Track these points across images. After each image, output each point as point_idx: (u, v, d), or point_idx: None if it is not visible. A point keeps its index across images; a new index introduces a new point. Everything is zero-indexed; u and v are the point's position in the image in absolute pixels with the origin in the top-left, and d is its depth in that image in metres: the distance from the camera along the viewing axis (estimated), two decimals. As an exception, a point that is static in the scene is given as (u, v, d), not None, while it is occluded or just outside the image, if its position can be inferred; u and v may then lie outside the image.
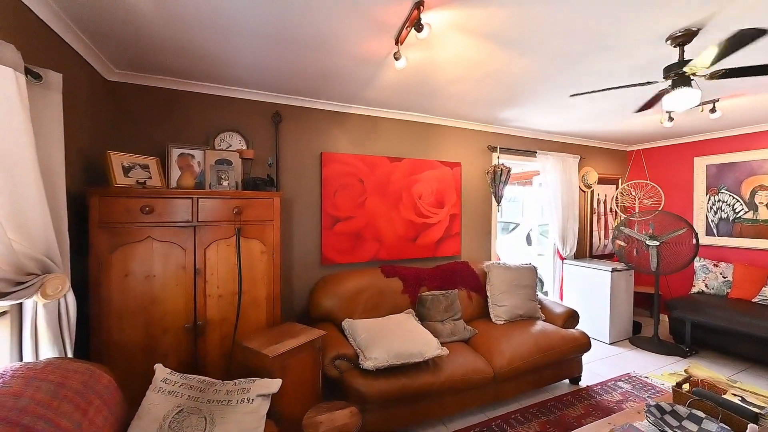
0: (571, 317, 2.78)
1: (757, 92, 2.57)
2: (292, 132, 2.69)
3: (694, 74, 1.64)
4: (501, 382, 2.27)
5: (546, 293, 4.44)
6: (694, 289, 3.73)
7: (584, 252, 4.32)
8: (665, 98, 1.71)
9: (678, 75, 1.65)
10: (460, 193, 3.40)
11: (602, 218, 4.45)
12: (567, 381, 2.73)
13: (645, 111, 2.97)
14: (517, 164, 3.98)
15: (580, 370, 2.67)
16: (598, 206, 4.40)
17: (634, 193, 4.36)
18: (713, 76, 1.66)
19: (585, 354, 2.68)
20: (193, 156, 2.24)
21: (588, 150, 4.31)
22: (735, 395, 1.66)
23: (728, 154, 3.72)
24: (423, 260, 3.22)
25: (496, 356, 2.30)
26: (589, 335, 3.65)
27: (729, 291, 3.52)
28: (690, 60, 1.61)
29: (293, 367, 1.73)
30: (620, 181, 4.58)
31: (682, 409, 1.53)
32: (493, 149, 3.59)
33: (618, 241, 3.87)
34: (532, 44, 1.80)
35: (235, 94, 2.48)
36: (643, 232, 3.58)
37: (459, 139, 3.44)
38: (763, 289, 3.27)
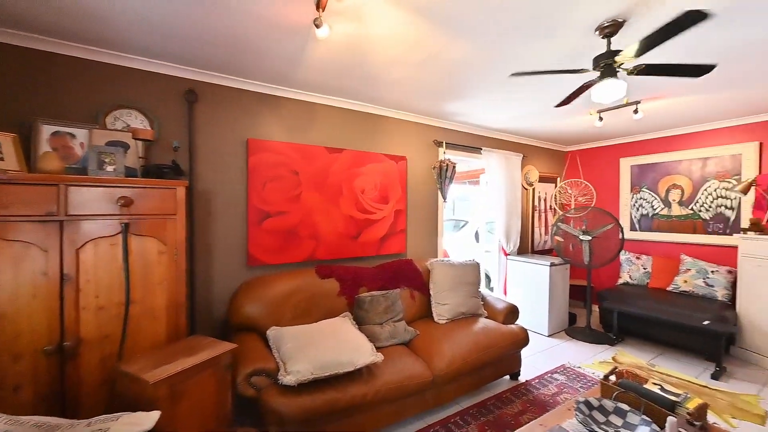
0: (512, 312, 2.77)
1: (673, 95, 2.75)
2: (211, 114, 2.33)
3: (620, 66, 1.63)
4: (441, 386, 2.15)
5: (492, 289, 4.51)
6: (620, 281, 3.99)
7: (527, 248, 4.45)
8: (593, 89, 1.69)
9: (606, 66, 1.64)
10: (405, 188, 3.26)
11: (543, 215, 4.62)
12: (507, 377, 2.71)
13: (569, 108, 3.07)
14: (463, 161, 3.96)
15: (519, 365, 2.67)
16: (539, 204, 4.56)
17: (570, 191, 4.59)
18: (635, 71, 1.68)
19: (525, 348, 2.69)
20: (73, 136, 1.81)
21: (530, 149, 4.43)
22: (656, 384, 1.69)
23: (648, 156, 4.03)
24: (366, 259, 3.03)
25: (435, 358, 2.18)
26: (531, 328, 3.75)
27: (648, 281, 3.81)
28: (618, 51, 1.60)
29: (191, 391, 1.43)
30: (558, 179, 4.79)
31: (608, 404, 1.50)
32: (439, 144, 3.51)
33: (556, 237, 4.02)
34: (470, 24, 1.68)
35: (134, 64, 2.07)
36: (578, 228, 3.75)
37: (405, 132, 3.30)
38: (675, 278, 3.57)
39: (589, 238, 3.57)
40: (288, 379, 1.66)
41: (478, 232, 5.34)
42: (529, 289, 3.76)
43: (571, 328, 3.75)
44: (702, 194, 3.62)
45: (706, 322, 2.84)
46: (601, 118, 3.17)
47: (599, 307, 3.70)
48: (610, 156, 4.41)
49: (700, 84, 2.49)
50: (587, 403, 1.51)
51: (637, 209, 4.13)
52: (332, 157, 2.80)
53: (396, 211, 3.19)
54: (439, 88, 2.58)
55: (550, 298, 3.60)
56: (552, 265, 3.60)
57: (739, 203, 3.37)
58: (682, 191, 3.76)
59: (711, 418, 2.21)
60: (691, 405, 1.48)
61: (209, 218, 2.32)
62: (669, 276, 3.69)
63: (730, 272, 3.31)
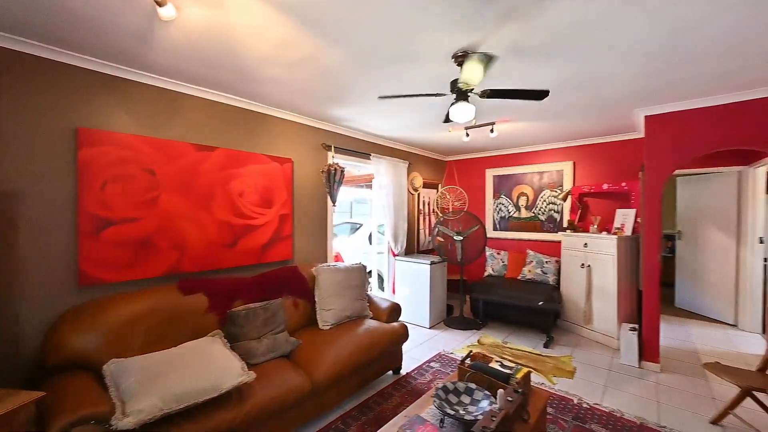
0: (394, 311, 2.95)
1: (519, 119, 3.38)
2: (18, 91, 1.78)
3: (470, 90, 1.91)
4: (321, 393, 2.13)
5: (384, 289, 4.73)
6: (486, 273, 4.70)
7: (413, 248, 4.83)
8: (450, 109, 1.94)
9: (458, 90, 1.89)
10: (291, 191, 3.14)
11: (427, 218, 5.09)
12: (390, 372, 2.87)
13: (454, 126, 3.49)
14: (354, 165, 4.04)
15: (401, 360, 2.85)
16: (423, 207, 5.01)
17: (448, 197, 5.19)
18: (483, 95, 1.99)
19: (407, 342, 2.88)
20: None
21: (415, 157, 4.83)
22: (497, 361, 2.02)
23: (505, 168, 4.86)
24: (246, 268, 2.79)
25: (316, 366, 2.14)
26: (415, 322, 4.07)
27: (506, 272, 4.59)
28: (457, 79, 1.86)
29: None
30: (439, 185, 5.36)
31: (461, 385, 1.72)
32: (328, 148, 3.50)
33: (438, 238, 4.47)
34: (340, 33, 1.71)
35: None
36: (454, 229, 4.26)
37: (291, 133, 3.18)
38: (523, 269, 4.40)
39: (461, 238, 4.10)
40: (126, 422, 1.38)
41: (371, 235, 5.55)
42: (414, 286, 4.08)
43: (449, 319, 4.23)
44: (540, 201, 4.55)
45: (540, 303, 3.57)
46: (467, 134, 3.67)
47: (469, 298, 4.27)
48: (478, 166, 5.16)
49: (536, 111, 3.12)
50: (444, 388, 1.69)
51: (498, 212, 4.94)
52: (201, 156, 2.48)
53: (281, 215, 3.04)
54: (320, 92, 2.57)
55: (431, 293, 3.99)
56: (432, 263, 3.98)
57: (562, 208, 4.37)
58: (528, 198, 4.66)
59: (539, 379, 2.78)
60: (519, 375, 1.81)
61: (10, 228, 1.76)
62: (519, 267, 4.52)
63: (557, 261, 4.24)
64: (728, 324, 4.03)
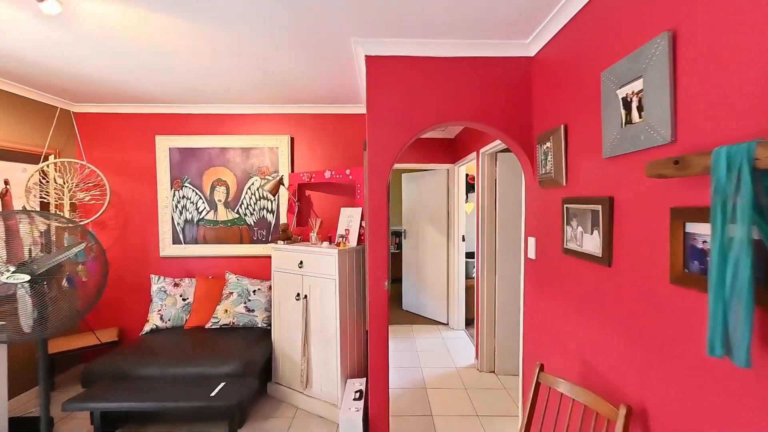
0: None
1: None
2: None
3: None
4: None
5: None
6: (147, 327, 2.53)
7: None
8: None
9: None
10: None
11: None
12: None
13: None
14: None
15: None
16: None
17: (63, 181, 2.55)
18: None
19: None
20: None
21: None
22: None
23: (190, 137, 2.85)
24: None
25: None
26: None
27: (188, 318, 2.61)
28: None
29: None
30: (52, 157, 2.60)
31: None
32: None
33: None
34: None
35: None
36: (13, 263, 1.76)
37: None
38: (217, 308, 2.59)
39: (27, 279, 1.70)
40: None
41: None
42: None
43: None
44: (246, 194, 2.87)
45: (214, 393, 1.83)
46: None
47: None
48: (139, 128, 2.84)
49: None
50: None
51: (181, 212, 2.86)
52: None
53: None
54: None
55: None
56: None
57: (278, 206, 2.89)
58: (228, 189, 2.87)
59: None
60: None
61: None
62: (213, 304, 2.67)
63: (270, 289, 2.72)
64: (443, 324, 3.97)
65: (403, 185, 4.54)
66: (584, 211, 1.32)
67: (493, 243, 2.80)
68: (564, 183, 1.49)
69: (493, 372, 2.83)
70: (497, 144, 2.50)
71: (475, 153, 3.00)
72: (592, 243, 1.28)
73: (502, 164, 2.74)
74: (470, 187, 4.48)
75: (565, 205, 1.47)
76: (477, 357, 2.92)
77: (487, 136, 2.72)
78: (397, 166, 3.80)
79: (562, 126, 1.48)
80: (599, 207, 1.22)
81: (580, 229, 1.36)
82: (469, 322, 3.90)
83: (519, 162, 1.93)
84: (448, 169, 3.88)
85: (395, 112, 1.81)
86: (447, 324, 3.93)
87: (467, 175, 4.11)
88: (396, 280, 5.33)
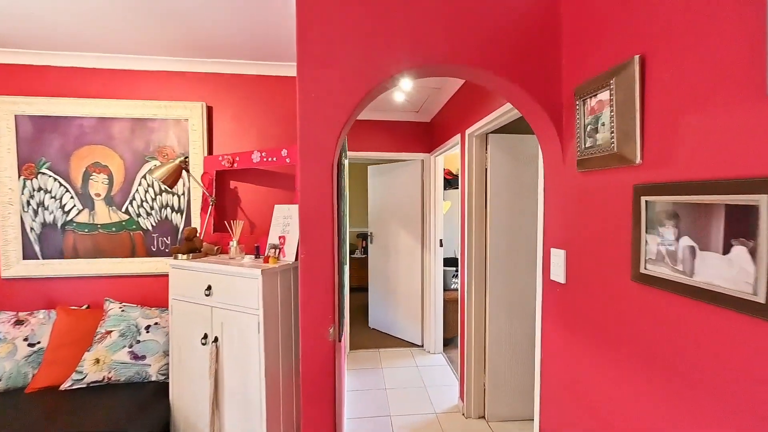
0: None
1: None
2: None
3: None
4: None
5: None
6: (-42, 396, 1.60)
7: None
8: None
9: None
10: None
11: None
12: None
13: None
14: None
15: None
16: None
17: None
18: None
19: None
20: None
21: None
22: None
23: (51, 100, 1.92)
24: None
25: None
26: None
27: (35, 373, 1.71)
28: None
29: None
30: None
31: None
32: None
33: None
34: None
35: None
36: None
37: None
38: (85, 355, 1.71)
39: None
40: None
41: None
42: None
43: None
44: (140, 185, 2.00)
45: None
46: None
47: None
48: (-37, 85, 1.88)
49: None
50: None
51: (37, 212, 1.93)
52: None
53: None
54: None
55: None
56: None
57: (189, 202, 2.04)
58: (111, 178, 1.98)
59: None
60: None
61: None
62: (83, 346, 1.78)
63: (174, 322, 1.87)
64: (417, 346, 3.29)
65: (369, 179, 3.81)
66: (705, 209, 0.67)
67: (483, 251, 2.15)
68: (638, 159, 0.84)
69: (483, 417, 2.19)
70: (489, 121, 1.85)
71: (458, 136, 2.35)
72: (727, 272, 0.63)
73: (495, 148, 2.10)
74: (447, 183, 3.87)
75: (643, 198, 0.82)
76: (462, 397, 2.27)
77: (473, 114, 2.07)
78: (362, 155, 3.08)
79: (636, 58, 0.83)
80: (758, 199, 0.58)
81: (686, 242, 0.72)
82: (447, 342, 3.27)
83: (536, 136, 1.27)
84: (422, 160, 3.22)
85: (346, 44, 1.09)
86: (422, 346, 3.26)
87: (444, 169, 3.47)
88: (362, 289, 4.61)
